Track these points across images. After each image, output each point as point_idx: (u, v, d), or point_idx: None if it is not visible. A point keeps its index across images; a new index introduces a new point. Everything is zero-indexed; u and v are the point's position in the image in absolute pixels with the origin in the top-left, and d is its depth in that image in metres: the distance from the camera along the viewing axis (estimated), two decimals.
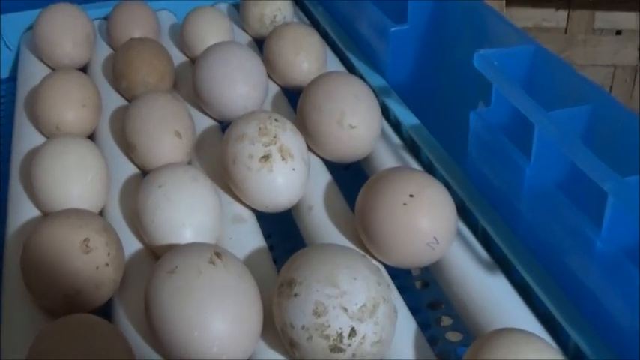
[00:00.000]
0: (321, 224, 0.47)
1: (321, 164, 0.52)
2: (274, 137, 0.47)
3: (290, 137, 0.47)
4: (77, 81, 0.55)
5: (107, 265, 0.41)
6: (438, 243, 0.42)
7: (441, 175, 0.50)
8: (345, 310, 0.35)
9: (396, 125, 0.56)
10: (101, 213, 0.49)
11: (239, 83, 0.55)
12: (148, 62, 0.59)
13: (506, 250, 0.44)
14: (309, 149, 0.52)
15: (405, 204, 0.41)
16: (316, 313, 0.35)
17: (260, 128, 0.47)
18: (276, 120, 0.48)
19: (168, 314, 0.36)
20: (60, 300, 0.40)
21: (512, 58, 0.46)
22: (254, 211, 0.49)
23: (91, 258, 0.40)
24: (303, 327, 0.35)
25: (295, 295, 0.36)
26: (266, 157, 0.46)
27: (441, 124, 0.56)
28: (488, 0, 0.95)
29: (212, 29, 0.64)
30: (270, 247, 0.55)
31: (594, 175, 0.36)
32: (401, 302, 0.42)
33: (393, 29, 0.58)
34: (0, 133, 0.66)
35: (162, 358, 0.38)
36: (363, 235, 0.44)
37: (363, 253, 0.43)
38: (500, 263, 0.44)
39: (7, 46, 0.70)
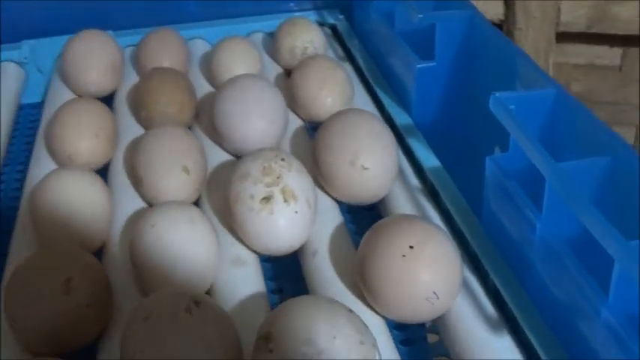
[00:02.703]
0: (324, 271, 0.45)
1: (334, 205, 0.50)
2: (278, 177, 0.45)
3: (295, 178, 0.45)
4: (92, 110, 0.54)
5: (89, 305, 0.39)
6: (437, 298, 0.39)
7: (457, 223, 0.47)
8: None
9: (417, 167, 0.53)
10: (101, 249, 0.47)
11: (255, 118, 0.53)
12: (167, 92, 0.57)
13: (514, 309, 0.41)
14: (323, 189, 0.50)
15: (403, 255, 0.39)
16: None
17: (264, 167, 0.45)
18: (282, 159, 0.46)
19: None
20: (41, 341, 0.39)
21: (531, 101, 0.43)
22: (258, 253, 0.47)
23: (71, 298, 0.38)
24: None
25: (271, 351, 0.34)
26: (267, 199, 0.44)
27: (464, 166, 0.53)
28: (538, 31, 0.92)
29: (240, 60, 0.63)
30: (280, 290, 0.53)
31: (599, 236, 0.33)
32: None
33: (419, 66, 0.56)
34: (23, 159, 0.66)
35: None
36: (361, 285, 0.41)
37: (365, 306, 0.41)
38: (509, 321, 0.41)
39: (39, 70, 0.70)
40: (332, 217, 0.49)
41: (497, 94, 0.42)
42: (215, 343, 0.35)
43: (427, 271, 0.39)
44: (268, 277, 0.48)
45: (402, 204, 0.50)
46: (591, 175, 0.38)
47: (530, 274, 0.41)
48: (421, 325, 0.50)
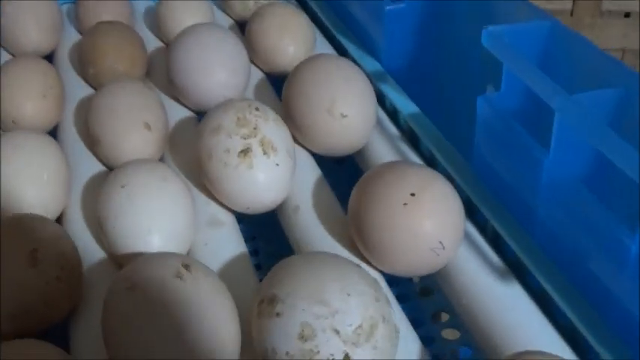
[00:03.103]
0: (309, 227, 0.41)
1: (310, 158, 0.47)
2: (254, 128, 0.41)
3: (273, 128, 0.42)
4: (37, 69, 0.49)
5: (59, 279, 0.35)
6: (443, 248, 0.36)
7: (444, 168, 0.44)
8: (337, 332, 0.29)
9: (392, 114, 0.50)
10: (60, 218, 0.43)
11: (217, 69, 0.49)
12: (116, 47, 0.53)
13: (520, 253, 0.38)
14: (296, 141, 0.46)
15: (405, 204, 0.36)
16: (303, 337, 0.29)
17: (238, 118, 0.41)
18: (256, 109, 0.42)
19: (127, 338, 0.31)
20: (7, 320, 0.34)
21: (525, 35, 0.40)
22: (234, 212, 0.43)
23: (39, 272, 0.34)
24: (287, 353, 0.30)
25: (278, 314, 0.30)
26: (245, 152, 0.40)
27: (443, 113, 0.50)
28: None
29: (189, 11, 0.58)
30: (255, 252, 0.50)
31: (627, 166, 0.30)
32: (402, 316, 0.37)
33: (388, 7, 0.52)
34: None
35: None
36: (357, 239, 0.38)
37: (358, 260, 0.38)
38: (514, 268, 0.39)
39: None
40: (309, 170, 0.45)
41: (490, 27, 0.39)
42: (211, 311, 0.31)
43: (431, 219, 0.36)
44: None
45: (381, 153, 0.47)
46: (603, 106, 0.36)
47: (532, 218, 0.39)
48: (410, 280, 0.47)
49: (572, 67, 0.40)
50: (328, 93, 0.45)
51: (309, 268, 0.31)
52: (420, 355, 0.35)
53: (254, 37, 0.55)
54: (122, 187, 0.38)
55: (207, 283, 0.32)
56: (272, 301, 0.31)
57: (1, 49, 0.58)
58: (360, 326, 0.30)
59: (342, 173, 0.51)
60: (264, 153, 0.41)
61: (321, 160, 0.47)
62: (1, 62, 0.54)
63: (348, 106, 0.45)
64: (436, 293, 0.45)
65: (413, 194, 0.36)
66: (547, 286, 0.37)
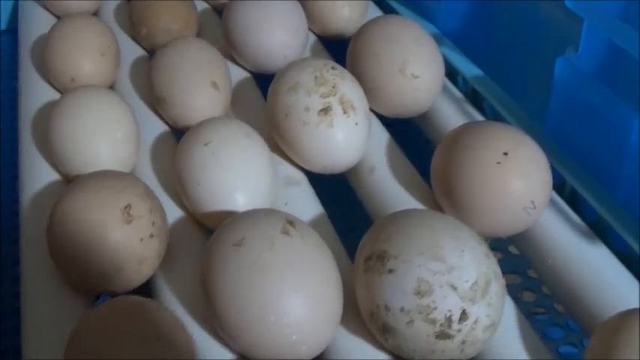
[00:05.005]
0: (387, 188, 0.41)
1: (377, 120, 0.46)
2: (333, 87, 0.40)
3: (350, 87, 0.41)
4: (94, 27, 0.48)
5: (152, 236, 0.34)
6: (534, 207, 0.36)
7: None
8: (455, 288, 0.29)
9: (452, 76, 0.50)
10: None
11: (278, 29, 0.48)
12: (170, 7, 0.52)
13: (603, 212, 0.38)
14: None
15: (498, 162, 0.36)
16: (419, 293, 0.29)
17: (316, 77, 0.41)
18: (333, 68, 0.41)
19: (237, 296, 0.30)
20: (96, 279, 0.34)
21: None
22: (306, 172, 0.43)
23: (134, 228, 0.34)
24: (402, 309, 0.29)
25: (390, 271, 0.30)
26: (325, 110, 0.40)
27: (504, 80, 0.50)
28: None
29: None
30: None
31: None
32: None
33: None
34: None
35: (224, 348, 0.32)
36: (442, 199, 0.38)
37: None
38: (596, 229, 0.38)
39: None
40: (380, 131, 0.45)
41: None
42: (319, 268, 0.31)
43: (524, 178, 0.36)
44: None
45: (448, 116, 0.46)
46: None
47: (615, 179, 0.39)
48: None
49: None
50: (400, 53, 0.44)
51: (419, 223, 0.31)
52: (518, 316, 0.35)
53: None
54: (205, 144, 0.38)
55: (313, 240, 0.32)
56: (382, 257, 0.30)
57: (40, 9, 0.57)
58: (475, 282, 0.29)
59: (400, 135, 0.51)
60: (344, 112, 0.40)
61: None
62: (45, 23, 0.53)
63: (419, 67, 0.44)
64: (505, 256, 0.45)
65: (506, 153, 0.36)
66: (635, 246, 0.36)
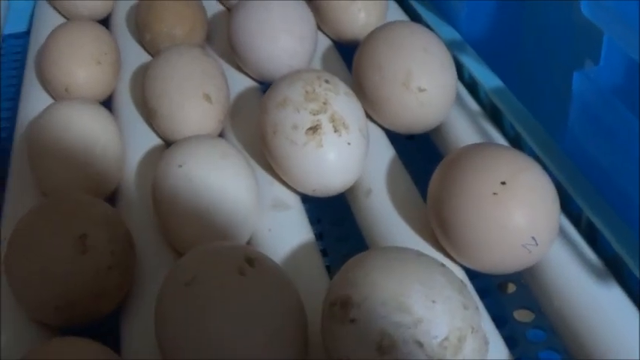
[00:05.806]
0: (383, 213, 0.38)
1: (383, 136, 0.43)
2: (324, 103, 0.37)
3: (344, 103, 0.38)
4: (90, 33, 0.46)
5: (110, 268, 0.32)
6: (536, 244, 0.32)
7: (532, 150, 0.40)
8: (421, 345, 0.26)
9: (472, 87, 0.46)
10: (113, 195, 0.40)
11: (282, 35, 0.45)
12: (175, 11, 0.49)
13: (619, 249, 0.34)
14: (368, 117, 0.42)
15: (494, 193, 0.32)
16: (381, 349, 0.26)
17: (307, 92, 0.37)
18: (326, 81, 0.38)
19: (183, 339, 0.27)
20: (50, 313, 0.31)
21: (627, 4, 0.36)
22: (299, 193, 0.40)
23: (88, 259, 0.31)
24: None
25: (352, 321, 0.27)
26: (314, 129, 0.37)
27: (527, 90, 0.46)
28: None
29: None
30: (319, 235, 0.46)
31: None
32: (486, 318, 0.33)
33: None
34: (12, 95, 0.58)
35: None
36: (437, 230, 0.34)
37: (439, 256, 0.34)
38: (612, 267, 0.34)
39: None
40: (383, 149, 0.42)
41: None
42: (275, 312, 0.28)
43: (524, 211, 0.32)
44: None
45: (461, 132, 0.42)
46: None
47: (634, 208, 0.34)
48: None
49: None
50: (404, 64, 0.41)
51: (388, 267, 0.27)
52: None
53: (322, 1, 0.51)
54: (180, 166, 0.35)
55: (273, 279, 0.29)
56: (345, 304, 0.27)
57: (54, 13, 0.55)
58: (446, 338, 0.26)
59: (416, 152, 0.47)
60: (335, 130, 0.37)
61: (392, 136, 0.43)
62: (52, 26, 0.51)
63: (426, 79, 0.40)
64: (519, 288, 0.41)
65: (503, 183, 0.32)
66: None
